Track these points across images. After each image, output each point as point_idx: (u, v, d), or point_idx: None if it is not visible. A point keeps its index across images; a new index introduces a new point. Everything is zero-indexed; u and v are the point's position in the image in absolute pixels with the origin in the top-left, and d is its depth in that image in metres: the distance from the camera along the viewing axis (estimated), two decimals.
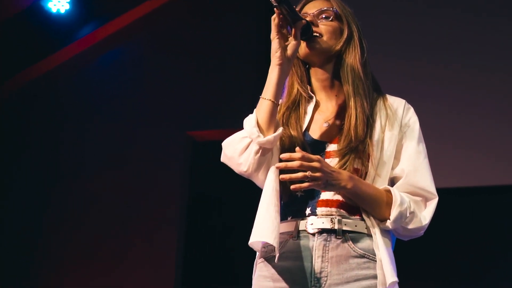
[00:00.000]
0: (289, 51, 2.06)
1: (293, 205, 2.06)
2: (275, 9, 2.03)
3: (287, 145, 2.08)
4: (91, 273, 4.95)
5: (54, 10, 5.22)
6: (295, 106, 2.17)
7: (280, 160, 2.00)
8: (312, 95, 2.19)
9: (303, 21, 2.08)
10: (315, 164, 1.94)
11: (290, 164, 1.94)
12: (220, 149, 2.10)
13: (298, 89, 2.18)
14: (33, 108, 5.41)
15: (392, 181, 2.11)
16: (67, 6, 5.24)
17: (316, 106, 2.18)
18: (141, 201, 5.05)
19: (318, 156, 1.97)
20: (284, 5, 2.01)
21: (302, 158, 1.93)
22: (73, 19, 5.26)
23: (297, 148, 1.96)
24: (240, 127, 2.06)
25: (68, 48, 5.29)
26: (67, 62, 5.34)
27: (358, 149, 2.05)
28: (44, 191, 5.22)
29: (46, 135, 5.36)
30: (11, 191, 5.28)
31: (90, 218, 5.10)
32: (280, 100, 2.16)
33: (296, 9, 2.21)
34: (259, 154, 2.01)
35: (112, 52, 5.40)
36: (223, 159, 2.10)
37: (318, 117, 2.16)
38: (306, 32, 2.12)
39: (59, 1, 5.22)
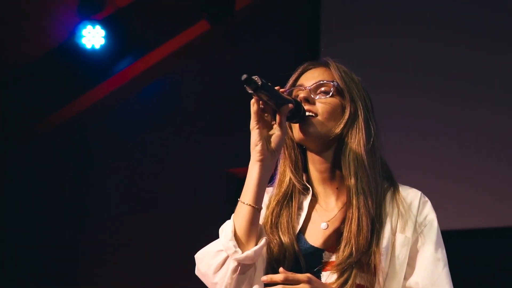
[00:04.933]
0: (273, 143, 1.71)
1: None
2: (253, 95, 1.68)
3: (275, 254, 1.73)
4: None
5: (88, 46, 5.01)
6: (287, 200, 1.81)
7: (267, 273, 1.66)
8: (308, 186, 1.82)
9: (290, 104, 1.72)
10: (303, 287, 1.58)
11: None
12: None
13: (291, 179, 1.82)
14: (69, 146, 5.27)
15: None
16: (102, 41, 5.03)
17: (313, 200, 1.82)
18: (180, 241, 4.80)
19: (308, 275, 1.60)
20: (262, 91, 1.65)
21: (286, 281, 1.57)
22: (108, 54, 5.07)
23: (281, 269, 1.60)
24: None
25: (104, 84, 5.10)
26: (103, 99, 5.17)
27: (361, 262, 1.68)
28: (76, 225, 5.08)
29: (90, 171, 5.23)
30: (44, 229, 5.15)
31: (122, 260, 4.92)
32: (270, 189, 1.81)
33: (293, 77, 1.85)
34: (237, 272, 1.66)
35: (149, 86, 5.22)
36: (197, 273, 1.77)
37: (316, 215, 1.80)
38: (297, 114, 1.76)
39: (93, 37, 5.00)
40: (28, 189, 5.21)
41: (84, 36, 5.00)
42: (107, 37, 5.04)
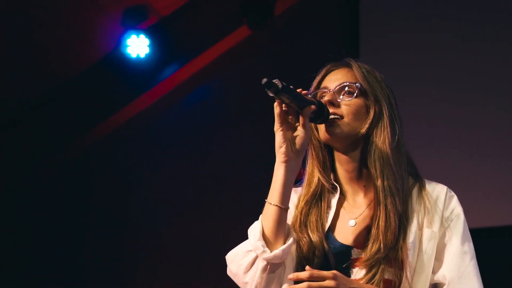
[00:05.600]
0: (297, 144, 1.75)
1: None
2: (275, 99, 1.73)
3: (305, 252, 1.77)
4: None
5: (133, 55, 5.10)
6: (316, 200, 1.85)
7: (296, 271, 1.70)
8: (336, 185, 1.86)
9: (312, 105, 1.76)
10: (329, 283, 1.61)
11: (297, 286, 1.62)
12: None
13: (319, 179, 1.86)
14: (116, 155, 5.37)
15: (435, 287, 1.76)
16: (147, 50, 5.11)
17: (342, 198, 1.85)
18: (222, 244, 4.86)
19: (333, 272, 1.64)
20: (284, 93, 1.70)
21: (311, 278, 1.61)
22: (153, 62, 5.15)
23: (307, 267, 1.64)
24: None
25: (149, 93, 5.19)
26: (149, 107, 5.25)
27: (389, 257, 1.71)
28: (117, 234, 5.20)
29: (134, 177, 5.32)
30: (89, 233, 5.28)
31: (163, 262, 5.02)
32: (299, 189, 1.85)
33: (316, 80, 1.89)
34: (267, 271, 1.71)
35: (193, 93, 5.29)
36: (229, 273, 1.82)
37: (344, 213, 1.83)
38: (321, 114, 1.79)
39: (138, 46, 5.09)
40: (76, 197, 5.34)
41: (129, 46, 5.07)
42: (151, 45, 5.10)
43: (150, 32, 5.13)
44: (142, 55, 5.11)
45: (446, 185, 1.87)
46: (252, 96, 5.11)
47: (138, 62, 5.12)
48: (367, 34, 4.77)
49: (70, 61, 5.14)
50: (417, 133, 4.02)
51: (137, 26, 5.09)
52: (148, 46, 5.11)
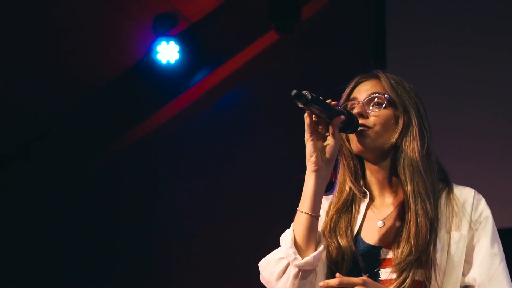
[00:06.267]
0: (327, 153, 1.80)
1: None
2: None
3: (334, 257, 1.82)
4: None
5: (164, 61, 5.17)
6: (347, 207, 1.90)
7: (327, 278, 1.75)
8: (366, 191, 1.91)
9: (342, 116, 1.81)
10: None
11: None
12: None
13: (351, 187, 1.91)
14: (149, 160, 5.46)
15: None
16: (177, 56, 5.17)
17: (370, 203, 1.91)
18: (256, 248, 4.90)
19: (363, 278, 1.69)
20: (313, 104, 1.75)
21: (341, 285, 1.66)
22: (183, 68, 5.21)
23: (337, 274, 1.69)
24: None
25: (180, 98, 5.26)
26: (180, 112, 5.31)
27: (420, 260, 1.76)
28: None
29: (164, 181, 5.42)
30: (120, 234, 5.39)
31: (193, 273, 5.08)
32: (330, 197, 1.90)
33: (346, 91, 1.94)
34: (299, 278, 1.77)
35: (223, 98, 5.35)
36: (262, 280, 1.87)
37: (372, 215, 1.89)
38: (350, 124, 1.84)
39: (168, 52, 5.15)
40: (105, 204, 5.42)
41: (159, 52, 5.14)
42: (181, 51, 5.16)
43: (180, 38, 5.19)
44: (172, 61, 5.17)
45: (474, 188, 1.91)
46: (281, 100, 5.15)
47: (168, 68, 5.18)
48: (394, 40, 4.80)
49: (101, 69, 5.21)
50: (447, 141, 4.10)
51: (167, 32, 5.15)
52: (178, 52, 5.17)
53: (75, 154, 5.26)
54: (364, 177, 1.94)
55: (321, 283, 1.68)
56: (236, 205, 5.11)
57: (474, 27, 4.58)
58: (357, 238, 1.85)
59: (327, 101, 1.80)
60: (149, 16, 5.09)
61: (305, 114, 1.80)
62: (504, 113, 4.42)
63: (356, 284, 1.67)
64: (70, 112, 5.33)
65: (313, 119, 1.80)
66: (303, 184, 5.21)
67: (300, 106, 1.74)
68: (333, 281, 1.67)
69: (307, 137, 1.80)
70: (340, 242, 1.83)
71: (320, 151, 1.80)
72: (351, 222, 1.87)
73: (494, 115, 4.43)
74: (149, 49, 5.16)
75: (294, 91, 1.72)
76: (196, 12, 5.21)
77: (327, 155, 1.80)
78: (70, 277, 5.27)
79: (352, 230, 1.86)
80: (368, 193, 1.91)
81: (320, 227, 1.87)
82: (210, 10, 5.22)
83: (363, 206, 1.90)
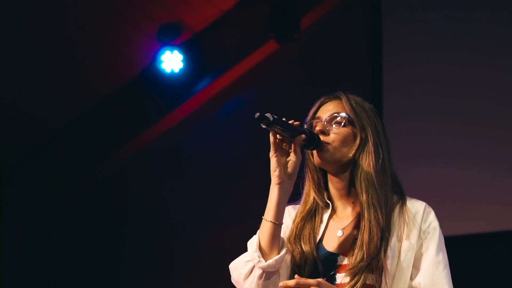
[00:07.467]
0: (290, 168, 2.01)
1: None
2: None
3: (297, 261, 2.03)
4: None
5: (168, 70, 5.32)
6: (311, 216, 2.10)
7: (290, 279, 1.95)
8: (329, 202, 2.11)
9: (303, 135, 2.00)
10: None
11: None
12: None
13: (315, 198, 2.11)
14: (154, 166, 5.60)
15: None
16: (181, 65, 5.31)
17: (333, 213, 2.11)
18: None
19: (318, 280, 1.89)
20: (275, 125, 1.95)
21: (297, 285, 1.86)
22: (186, 77, 5.34)
23: (296, 275, 1.89)
24: None
25: (183, 106, 5.41)
26: (183, 120, 5.46)
27: (371, 266, 1.95)
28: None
29: (173, 187, 5.52)
30: (125, 240, 5.50)
31: (197, 277, 5.19)
32: (298, 206, 2.10)
33: (312, 110, 2.14)
34: (263, 279, 1.98)
35: (225, 106, 5.47)
36: (232, 280, 2.08)
37: (333, 225, 2.09)
38: (312, 141, 2.04)
39: (172, 61, 5.31)
40: (111, 210, 5.56)
41: (164, 61, 5.28)
42: (184, 60, 5.29)
43: (184, 47, 5.32)
44: (176, 70, 5.29)
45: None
46: (282, 107, 5.28)
47: (172, 76, 5.31)
48: (390, 48, 4.95)
49: (108, 78, 5.36)
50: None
51: (171, 42, 5.29)
52: (182, 61, 5.29)
53: (82, 161, 5.41)
54: (327, 189, 2.13)
55: (281, 284, 1.89)
56: (239, 210, 5.23)
57: (470, 33, 4.70)
58: (319, 245, 2.05)
59: (290, 121, 2.00)
60: (153, 26, 5.24)
61: (270, 133, 2.00)
62: (503, 117, 4.53)
63: (311, 285, 1.87)
64: (78, 120, 5.49)
65: (277, 137, 1.99)
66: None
67: (264, 127, 1.93)
68: (291, 282, 1.88)
69: (271, 153, 2.01)
70: (304, 248, 2.03)
71: (283, 166, 2.00)
72: (314, 230, 2.07)
73: (492, 118, 4.55)
74: (153, 58, 5.30)
75: (257, 114, 1.91)
76: (199, 22, 5.36)
77: (289, 169, 2.00)
78: (75, 280, 5.44)
79: (315, 238, 2.05)
80: (330, 204, 2.10)
81: (287, 233, 2.07)
82: (212, 20, 5.37)
83: (325, 216, 2.09)
